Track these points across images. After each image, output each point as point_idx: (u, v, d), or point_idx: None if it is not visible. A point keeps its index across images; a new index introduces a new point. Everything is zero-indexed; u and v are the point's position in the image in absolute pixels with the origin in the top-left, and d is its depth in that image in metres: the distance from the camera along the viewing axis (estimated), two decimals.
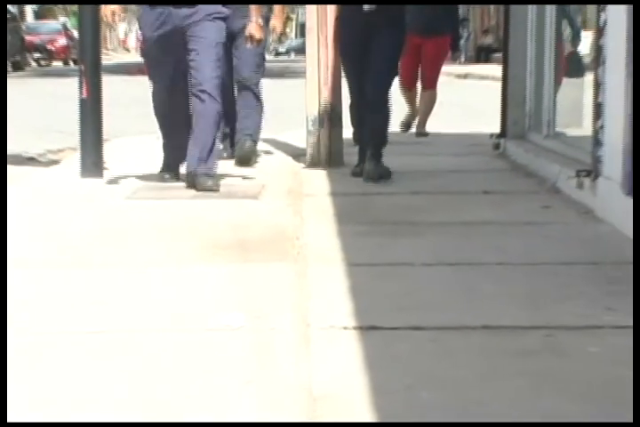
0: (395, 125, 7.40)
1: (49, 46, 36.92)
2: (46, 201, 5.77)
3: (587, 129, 5.75)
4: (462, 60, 28.98)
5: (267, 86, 7.33)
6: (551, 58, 7.24)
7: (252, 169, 7.09)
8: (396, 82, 6.91)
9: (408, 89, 9.64)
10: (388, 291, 3.72)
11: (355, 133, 6.89)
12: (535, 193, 6.03)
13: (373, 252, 4.41)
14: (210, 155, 6.04)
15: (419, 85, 9.76)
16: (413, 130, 9.85)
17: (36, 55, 36.24)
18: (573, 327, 3.26)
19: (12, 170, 7.15)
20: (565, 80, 7.29)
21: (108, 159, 6.90)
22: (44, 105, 14.84)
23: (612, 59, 5.07)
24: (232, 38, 6.78)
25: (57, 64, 37.13)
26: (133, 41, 62.75)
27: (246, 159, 7.17)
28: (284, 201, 5.73)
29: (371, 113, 6.49)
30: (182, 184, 6.13)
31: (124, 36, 69.09)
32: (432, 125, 9.77)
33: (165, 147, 6.43)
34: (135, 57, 32.15)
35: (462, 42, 25.10)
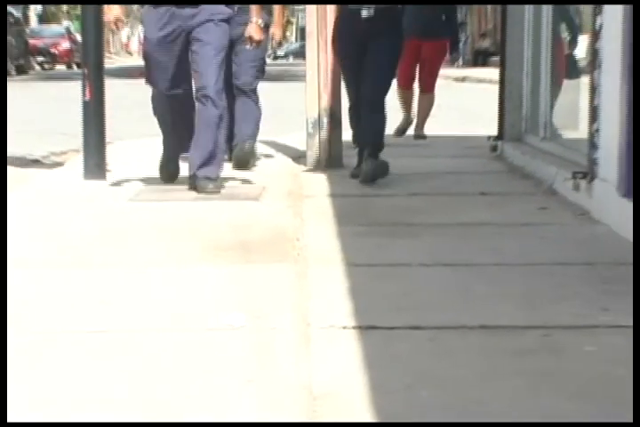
0: (389, 131, 7.38)
1: (52, 50, 36.95)
2: (49, 202, 5.76)
3: (583, 131, 5.76)
4: (460, 63, 29.01)
5: (267, 89, 7.33)
6: (548, 61, 7.24)
7: (253, 171, 7.09)
8: (393, 85, 6.90)
9: (405, 89, 9.63)
10: (386, 291, 3.72)
11: (354, 135, 6.89)
12: (532, 195, 6.03)
13: (372, 253, 4.41)
14: (211, 159, 6.02)
15: (416, 87, 9.76)
16: (412, 132, 9.85)
17: (40, 59, 36.27)
18: (570, 327, 3.26)
19: (16, 172, 7.16)
20: (564, 83, 7.29)
21: (110, 161, 6.90)
22: (47, 108, 14.85)
23: (607, 62, 5.07)
24: (231, 44, 6.76)
25: (60, 67, 37.14)
26: (136, 44, 62.80)
27: (244, 162, 7.15)
28: (284, 203, 5.73)
29: (369, 114, 6.46)
30: (184, 186, 6.12)
31: (126, 39, 69.15)
32: (430, 128, 9.77)
33: (165, 142, 6.39)
34: (137, 60, 32.14)
35: (460, 45, 25.10)
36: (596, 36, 5.24)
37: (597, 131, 5.24)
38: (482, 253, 4.41)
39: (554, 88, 7.26)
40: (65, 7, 56.62)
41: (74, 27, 41.10)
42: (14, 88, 20.43)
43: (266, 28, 7.14)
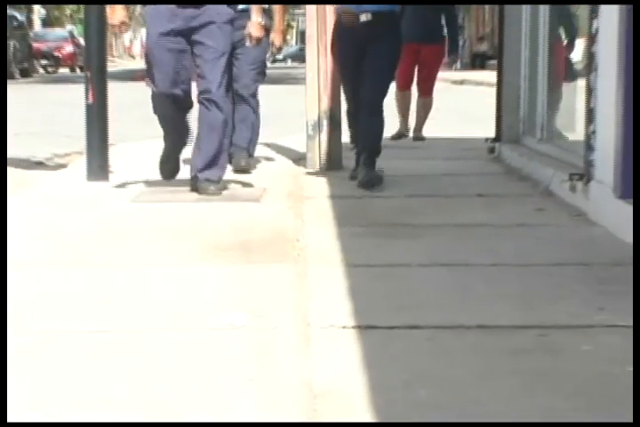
0: (386, 134, 7.39)
1: (56, 53, 36.96)
2: (53, 204, 5.76)
3: (579, 133, 5.76)
4: (458, 66, 29.01)
5: (267, 92, 7.33)
6: (545, 64, 7.25)
7: (254, 173, 7.09)
8: (391, 88, 6.90)
9: (403, 91, 9.62)
10: (385, 291, 3.72)
11: (352, 136, 6.87)
12: (529, 196, 6.03)
13: (371, 253, 4.41)
14: (214, 162, 6.01)
15: (414, 90, 9.76)
16: (410, 134, 9.85)
17: (44, 62, 36.29)
18: (566, 327, 3.26)
19: (20, 174, 7.16)
20: (563, 86, 7.30)
21: (113, 163, 6.90)
22: (51, 110, 14.84)
23: (603, 65, 5.07)
24: (232, 47, 6.73)
25: (64, 71, 37.14)
26: (138, 48, 62.79)
27: (243, 172, 7.11)
28: (284, 204, 5.73)
29: (367, 118, 6.44)
30: (186, 188, 6.12)
31: (129, 43, 69.14)
32: (429, 130, 9.77)
33: (165, 139, 6.28)
34: (140, 64, 32.17)
35: (459, 48, 25.08)
36: (592, 39, 5.24)
37: (594, 133, 5.24)
38: (479, 253, 4.41)
39: (554, 91, 7.26)
40: (68, 11, 56.65)
41: (77, 30, 41.07)
42: (18, 91, 20.43)
43: (266, 31, 7.14)
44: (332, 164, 7.35)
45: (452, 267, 4.14)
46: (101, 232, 4.85)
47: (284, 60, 59.62)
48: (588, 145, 5.30)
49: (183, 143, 6.22)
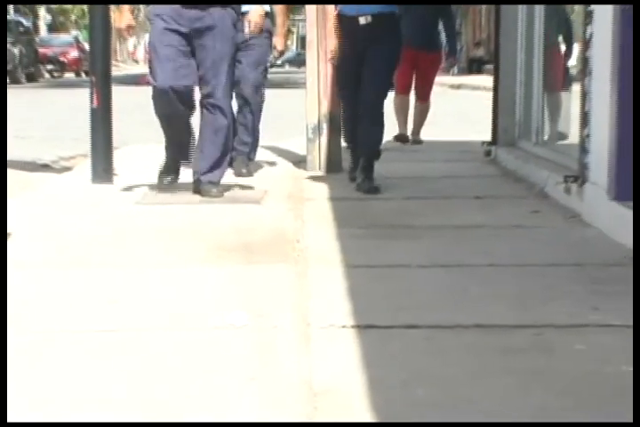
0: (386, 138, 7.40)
1: (61, 58, 37.01)
2: (58, 205, 5.76)
3: (574, 136, 5.76)
4: (455, 71, 29.02)
5: (267, 96, 7.30)
6: (540, 68, 7.25)
7: (255, 176, 7.09)
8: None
9: (402, 95, 9.61)
10: (384, 291, 3.72)
11: (346, 135, 6.82)
12: (524, 198, 6.03)
13: (371, 254, 4.41)
14: (216, 165, 6.00)
15: (412, 95, 9.76)
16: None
17: (49, 67, 36.33)
18: (560, 326, 3.26)
19: (26, 176, 7.16)
20: (556, 90, 7.30)
21: (117, 166, 6.90)
22: (56, 114, 14.85)
23: (597, 70, 5.07)
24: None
25: (69, 75, 37.18)
26: (142, 53, 62.77)
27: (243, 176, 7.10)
28: (285, 205, 5.73)
29: (368, 122, 6.39)
30: (189, 190, 6.11)
31: (132, 48, 69.14)
32: (426, 133, 9.77)
33: (167, 147, 6.20)
34: (144, 68, 32.18)
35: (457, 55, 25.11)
36: (586, 44, 5.24)
37: (588, 136, 5.24)
38: (476, 254, 4.41)
39: (549, 96, 7.27)
40: (73, 17, 56.67)
41: (82, 36, 41.12)
42: (25, 95, 20.44)
43: (269, 33, 7.12)
44: (331, 166, 7.35)
45: (450, 268, 4.14)
46: (106, 234, 4.84)
47: (282, 65, 59.60)
48: (583, 148, 5.30)
49: (184, 154, 6.08)
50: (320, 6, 7.24)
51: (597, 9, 5.05)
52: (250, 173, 7.09)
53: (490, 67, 17.79)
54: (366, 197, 6.14)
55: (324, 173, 7.27)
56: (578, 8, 6.31)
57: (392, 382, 2.71)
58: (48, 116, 14.59)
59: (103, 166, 6.68)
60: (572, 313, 3.40)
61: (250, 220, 5.24)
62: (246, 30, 6.51)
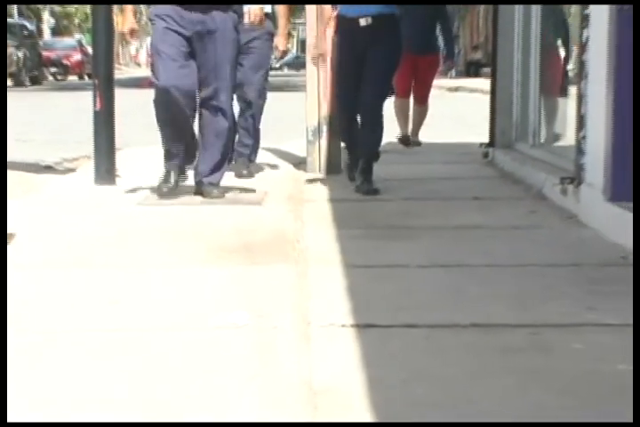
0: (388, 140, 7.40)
1: (65, 61, 37.00)
2: (61, 206, 5.75)
3: (570, 138, 5.76)
4: (453, 74, 29.01)
5: (268, 99, 7.30)
6: (536, 71, 7.25)
7: (256, 177, 7.09)
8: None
9: (403, 98, 9.60)
10: (384, 291, 3.71)
11: (342, 135, 6.81)
12: (522, 199, 6.03)
13: (370, 254, 4.41)
14: (217, 167, 5.99)
15: (411, 97, 9.76)
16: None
17: (53, 70, 36.33)
18: (558, 325, 3.25)
19: (29, 177, 7.14)
20: (553, 93, 7.30)
21: (120, 167, 6.90)
22: (60, 117, 14.84)
23: (593, 73, 5.07)
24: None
25: (72, 78, 37.16)
26: (144, 56, 62.78)
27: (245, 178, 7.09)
28: (285, 207, 5.72)
29: (368, 123, 6.37)
30: (190, 192, 6.10)
31: (135, 51, 69.16)
32: (425, 135, 9.77)
33: (167, 157, 6.03)
34: (146, 71, 32.18)
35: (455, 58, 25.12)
36: (582, 48, 5.24)
37: (584, 138, 5.24)
38: (475, 254, 4.40)
39: (546, 99, 7.26)
40: (77, 21, 56.67)
41: (85, 39, 41.11)
42: (28, 98, 20.44)
43: (270, 36, 7.11)
44: (331, 168, 7.35)
45: (449, 268, 4.13)
46: (109, 234, 4.84)
47: (281, 68, 59.58)
48: (579, 149, 5.30)
49: (189, 159, 5.94)
50: (319, 10, 7.21)
51: (594, 13, 5.04)
52: (251, 175, 7.09)
53: (487, 70, 17.79)
54: (366, 198, 6.13)
55: (323, 175, 7.26)
56: (575, 11, 6.31)
57: (392, 381, 2.70)
58: (51, 118, 14.58)
59: (106, 168, 6.67)
60: (570, 313, 3.39)
61: (251, 221, 5.24)
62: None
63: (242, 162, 7.12)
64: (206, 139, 5.96)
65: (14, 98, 17.06)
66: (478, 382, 2.70)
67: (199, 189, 6.03)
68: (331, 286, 3.77)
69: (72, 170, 7.83)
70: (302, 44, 50.79)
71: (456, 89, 25.71)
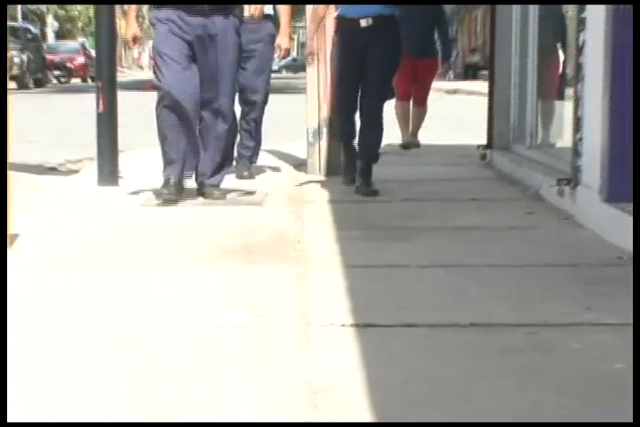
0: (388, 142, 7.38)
1: (68, 64, 37.02)
2: (65, 207, 5.74)
3: (567, 140, 5.74)
4: (451, 76, 29.04)
5: (269, 102, 7.28)
6: (534, 74, 7.24)
7: (257, 178, 7.08)
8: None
9: (404, 101, 9.58)
10: (383, 291, 3.70)
11: (341, 135, 6.78)
12: (519, 200, 6.01)
13: (370, 255, 4.39)
14: (218, 169, 5.98)
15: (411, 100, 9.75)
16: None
17: (57, 73, 36.35)
18: (556, 325, 3.24)
19: (33, 178, 7.14)
20: (550, 96, 7.29)
21: (123, 169, 6.89)
22: (64, 119, 14.83)
23: (590, 75, 5.06)
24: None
25: (76, 81, 37.17)
26: (146, 59, 62.80)
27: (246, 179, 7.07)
28: (286, 208, 5.71)
29: (367, 127, 6.34)
30: (192, 193, 6.08)
31: (137, 54, 69.19)
32: (423, 137, 9.75)
33: (166, 166, 5.89)
34: (148, 74, 32.17)
35: (452, 60, 25.12)
36: (579, 51, 5.23)
37: (581, 140, 5.22)
38: (473, 255, 4.39)
39: (543, 102, 7.25)
40: (80, 24, 56.68)
41: (88, 43, 41.13)
42: (32, 100, 20.43)
43: (272, 38, 7.09)
44: (331, 169, 7.33)
45: (448, 268, 4.12)
46: (110, 235, 4.83)
47: (279, 70, 59.55)
48: (576, 151, 5.29)
49: (190, 165, 5.87)
50: (311, 9, 7.09)
51: (590, 16, 5.03)
52: (252, 177, 7.08)
53: (485, 72, 17.79)
54: (365, 199, 6.12)
55: (323, 176, 7.25)
56: (571, 14, 6.29)
57: (392, 381, 2.68)
58: (56, 121, 14.57)
59: (109, 169, 6.67)
60: (569, 312, 3.37)
61: (251, 222, 5.22)
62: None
63: (243, 164, 7.12)
64: (206, 141, 5.95)
65: (19, 100, 17.04)
66: (478, 381, 2.68)
67: (200, 191, 6.03)
68: (331, 287, 3.75)
69: (75, 171, 7.82)
70: (302, 47, 50.85)
71: (454, 91, 25.71)
